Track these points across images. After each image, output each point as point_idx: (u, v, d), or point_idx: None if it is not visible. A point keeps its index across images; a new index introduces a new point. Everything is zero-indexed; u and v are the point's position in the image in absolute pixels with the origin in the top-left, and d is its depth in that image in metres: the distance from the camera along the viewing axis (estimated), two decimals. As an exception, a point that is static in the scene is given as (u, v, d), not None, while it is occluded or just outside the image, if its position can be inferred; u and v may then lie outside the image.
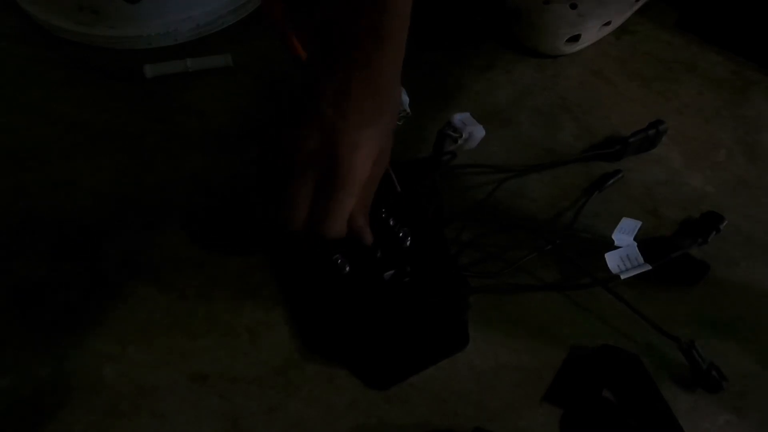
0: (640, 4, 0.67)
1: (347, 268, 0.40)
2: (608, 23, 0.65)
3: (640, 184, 0.55)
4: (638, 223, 0.49)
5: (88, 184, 0.53)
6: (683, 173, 0.56)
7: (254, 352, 0.45)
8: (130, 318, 0.46)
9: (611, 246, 0.49)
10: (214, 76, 0.61)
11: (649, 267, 0.47)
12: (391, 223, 0.42)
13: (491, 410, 0.43)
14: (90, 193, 0.53)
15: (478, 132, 0.52)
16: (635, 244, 0.49)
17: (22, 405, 0.43)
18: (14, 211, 0.52)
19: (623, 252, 0.48)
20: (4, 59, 0.63)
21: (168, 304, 0.47)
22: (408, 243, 0.42)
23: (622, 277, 0.46)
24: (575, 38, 0.63)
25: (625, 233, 0.49)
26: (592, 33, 0.64)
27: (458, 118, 0.52)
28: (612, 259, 0.47)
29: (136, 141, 0.56)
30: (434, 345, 0.45)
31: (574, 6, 0.62)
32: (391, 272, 0.41)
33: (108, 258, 0.49)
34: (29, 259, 0.49)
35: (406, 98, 0.51)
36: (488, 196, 0.52)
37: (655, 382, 0.44)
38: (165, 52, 0.62)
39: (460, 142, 0.51)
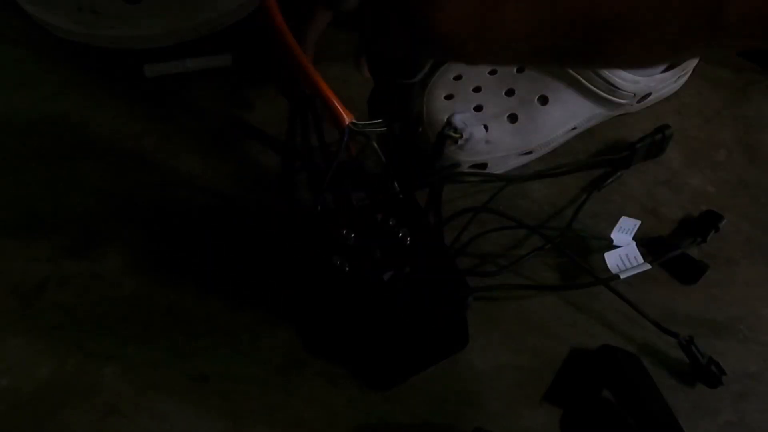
0: None
1: (346, 269, 0.41)
2: None
3: (640, 184, 0.55)
4: (637, 223, 0.49)
5: (88, 184, 0.54)
6: (683, 173, 0.56)
7: (254, 352, 0.45)
8: (130, 318, 0.46)
9: (610, 245, 0.49)
10: (214, 76, 0.61)
11: (648, 266, 0.47)
12: (390, 223, 0.42)
13: (491, 410, 0.43)
14: (90, 193, 0.53)
15: (479, 132, 0.52)
16: (634, 243, 0.49)
17: (22, 405, 0.43)
18: (14, 211, 0.52)
19: (622, 251, 0.48)
20: (3, 59, 0.63)
21: (168, 304, 0.47)
22: (407, 243, 0.42)
23: (622, 276, 0.47)
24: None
25: (623, 232, 0.49)
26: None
27: (459, 117, 0.51)
28: (611, 259, 0.47)
29: (136, 141, 0.56)
30: (434, 345, 0.45)
31: None
32: (390, 273, 0.41)
33: (108, 258, 0.49)
34: (29, 259, 0.49)
35: None
36: (489, 200, 0.52)
37: (655, 382, 0.44)
38: (165, 52, 0.62)
39: (460, 142, 0.51)
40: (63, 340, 0.45)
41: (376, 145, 0.48)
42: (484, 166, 0.54)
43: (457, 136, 0.51)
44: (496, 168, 0.54)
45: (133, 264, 0.49)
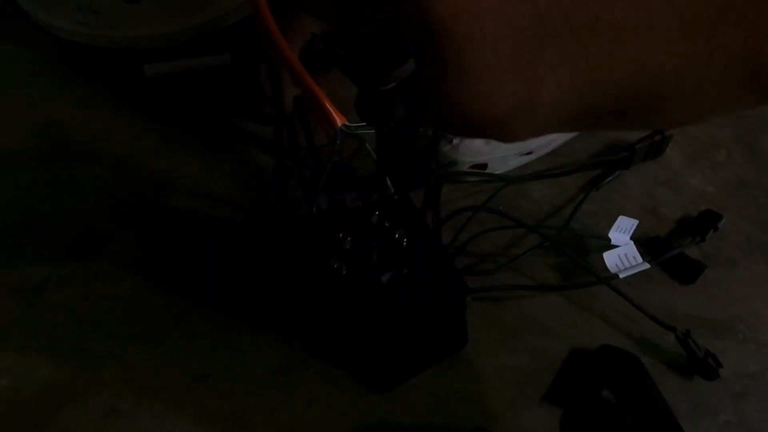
0: None
1: (344, 272, 0.40)
2: None
3: (640, 184, 0.55)
4: (634, 222, 0.49)
5: (87, 184, 0.54)
6: (683, 173, 0.56)
7: (254, 352, 0.45)
8: (130, 318, 0.46)
9: (609, 245, 0.49)
10: (214, 75, 0.61)
11: (647, 266, 0.47)
12: (387, 225, 0.42)
13: (491, 410, 0.43)
14: (90, 193, 0.53)
15: None
16: (632, 242, 0.49)
17: (22, 405, 0.43)
18: (15, 211, 0.52)
19: (621, 251, 0.48)
20: (3, 59, 0.63)
21: (168, 304, 0.47)
22: (404, 245, 0.42)
23: (621, 276, 0.47)
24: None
25: (621, 232, 0.49)
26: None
27: None
28: (610, 258, 0.48)
29: (136, 141, 0.56)
30: (434, 346, 0.45)
31: None
32: (389, 274, 0.41)
33: (108, 258, 0.49)
34: (29, 258, 0.49)
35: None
36: (488, 200, 0.52)
37: (655, 382, 0.44)
38: (165, 52, 0.62)
39: (455, 142, 0.51)
40: (63, 340, 0.45)
41: (369, 147, 0.48)
42: (484, 166, 0.54)
43: (452, 135, 0.51)
44: (497, 168, 0.54)
45: (133, 264, 0.49)
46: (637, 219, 0.50)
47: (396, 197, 0.44)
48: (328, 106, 0.40)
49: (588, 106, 0.21)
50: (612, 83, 0.20)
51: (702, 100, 0.21)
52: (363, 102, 0.35)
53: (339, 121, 0.40)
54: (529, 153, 0.55)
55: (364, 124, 0.40)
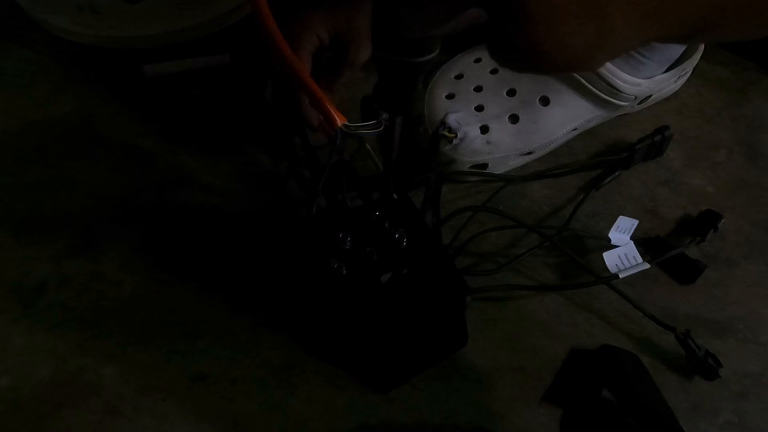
0: None
1: (344, 273, 0.40)
2: None
3: (640, 184, 0.55)
4: (635, 222, 0.49)
5: (88, 184, 0.54)
6: (683, 173, 0.56)
7: (254, 352, 0.45)
8: (130, 318, 0.46)
9: (609, 245, 0.49)
10: (214, 75, 0.61)
11: (647, 266, 0.47)
12: (386, 225, 0.42)
13: (491, 410, 0.43)
14: (90, 193, 0.53)
15: (473, 132, 0.52)
16: (632, 243, 0.49)
17: (22, 405, 0.43)
18: (14, 211, 0.52)
19: (621, 251, 0.48)
20: (3, 59, 0.63)
21: (168, 304, 0.47)
22: (404, 245, 0.42)
23: (621, 276, 0.47)
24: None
25: (621, 232, 0.49)
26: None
27: (453, 117, 0.51)
28: (610, 258, 0.48)
29: (136, 141, 0.56)
30: (434, 346, 0.45)
31: None
32: (389, 275, 0.41)
33: (108, 258, 0.49)
34: (29, 258, 0.49)
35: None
36: (488, 200, 0.52)
37: (655, 382, 0.44)
38: (165, 52, 0.62)
39: (455, 142, 0.51)
40: (63, 340, 0.45)
41: (369, 147, 0.48)
42: (484, 166, 0.54)
43: (452, 135, 0.51)
44: (497, 168, 0.54)
45: (133, 264, 0.49)
46: (637, 219, 0.50)
47: (396, 197, 0.44)
48: (329, 106, 0.40)
49: (655, 37, 0.24)
50: (676, 17, 0.23)
51: (750, 22, 0.24)
52: (384, 85, 0.37)
53: (339, 121, 0.40)
54: (529, 153, 0.55)
55: (365, 123, 0.40)
